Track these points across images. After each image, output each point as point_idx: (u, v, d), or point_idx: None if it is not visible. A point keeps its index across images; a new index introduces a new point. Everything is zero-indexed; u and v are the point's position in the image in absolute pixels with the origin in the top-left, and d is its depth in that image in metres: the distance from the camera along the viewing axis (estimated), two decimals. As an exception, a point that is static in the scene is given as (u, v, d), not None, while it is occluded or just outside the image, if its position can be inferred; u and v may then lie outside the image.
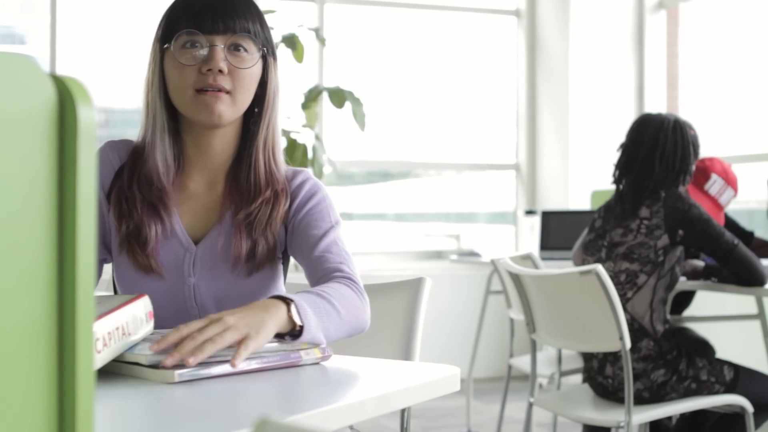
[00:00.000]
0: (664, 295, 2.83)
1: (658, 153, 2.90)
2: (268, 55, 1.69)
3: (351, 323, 1.52)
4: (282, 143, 1.77)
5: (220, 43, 1.62)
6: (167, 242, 1.66)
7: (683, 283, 3.19)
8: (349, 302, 1.53)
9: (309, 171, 1.77)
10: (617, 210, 2.93)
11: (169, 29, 1.65)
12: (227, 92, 1.63)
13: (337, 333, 1.49)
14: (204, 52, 1.62)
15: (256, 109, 1.70)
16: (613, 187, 3.03)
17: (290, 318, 1.38)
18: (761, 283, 2.94)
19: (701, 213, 2.83)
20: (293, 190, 1.72)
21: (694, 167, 2.99)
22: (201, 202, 1.70)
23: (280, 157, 1.74)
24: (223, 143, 1.70)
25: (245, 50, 1.64)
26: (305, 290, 1.49)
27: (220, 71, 1.61)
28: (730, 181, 3.43)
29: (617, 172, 2.99)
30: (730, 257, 2.88)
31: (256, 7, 1.69)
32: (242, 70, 1.63)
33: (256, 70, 1.66)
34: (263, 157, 1.70)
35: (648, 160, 2.90)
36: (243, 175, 1.69)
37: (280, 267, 1.73)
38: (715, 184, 3.41)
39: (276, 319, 1.35)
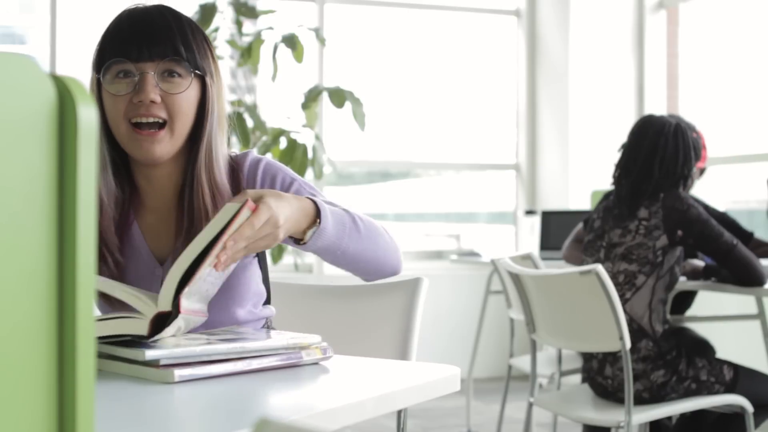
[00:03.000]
0: (663, 295, 2.83)
1: (657, 158, 2.90)
2: (205, 75, 1.63)
3: (371, 247, 1.56)
4: (282, 143, 1.76)
5: (151, 71, 1.57)
6: (133, 264, 1.65)
7: (683, 283, 3.18)
8: (373, 228, 1.59)
9: (252, 152, 1.71)
10: (616, 211, 2.93)
11: (100, 59, 1.61)
12: (164, 121, 1.59)
13: (355, 249, 1.53)
14: (135, 80, 1.58)
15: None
16: (613, 187, 3.03)
17: (312, 221, 1.48)
18: (760, 283, 2.94)
19: (700, 213, 2.82)
20: (247, 177, 1.68)
21: (696, 170, 2.99)
22: (162, 222, 1.68)
23: (222, 178, 1.66)
24: (167, 171, 1.66)
25: (179, 75, 1.59)
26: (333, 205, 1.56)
27: (152, 101, 1.56)
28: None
29: (617, 173, 2.99)
30: (729, 257, 2.87)
31: (189, 26, 1.63)
32: (176, 96, 1.58)
33: (192, 94, 1.61)
34: (207, 180, 1.64)
35: (647, 164, 2.90)
36: (191, 199, 1.64)
37: (255, 261, 1.72)
38: None
39: (303, 214, 1.46)
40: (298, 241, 1.50)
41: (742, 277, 2.92)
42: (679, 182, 2.90)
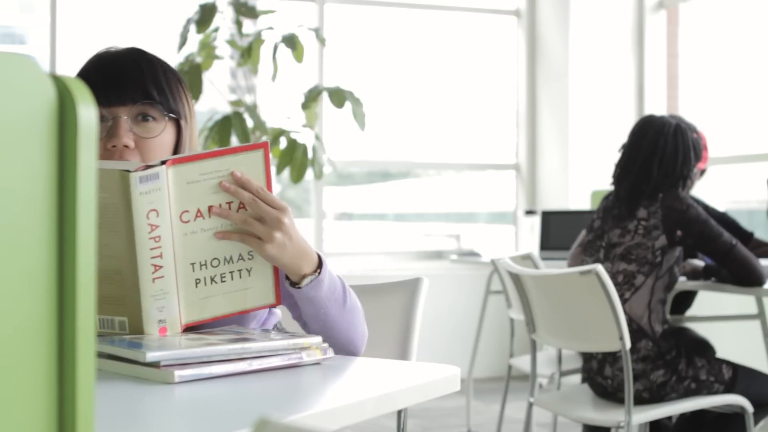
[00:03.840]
0: (663, 295, 2.83)
1: (656, 158, 2.89)
2: (180, 118, 1.60)
3: (347, 322, 1.54)
4: (282, 143, 1.77)
5: (124, 115, 1.55)
6: None
7: (683, 283, 3.18)
8: (356, 307, 1.57)
9: None
10: (615, 211, 2.93)
11: None
12: None
13: (335, 317, 1.52)
14: (108, 125, 1.54)
15: None
16: (612, 187, 3.03)
17: (313, 269, 1.49)
18: (760, 283, 2.94)
19: (699, 213, 2.82)
20: None
21: (696, 171, 2.99)
22: None
23: None
24: None
25: (153, 118, 1.57)
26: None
27: (126, 146, 1.54)
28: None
29: (617, 173, 2.99)
30: (729, 257, 2.87)
31: (162, 68, 1.60)
32: (150, 140, 1.55)
33: (167, 137, 1.58)
34: None
35: (647, 165, 2.90)
36: None
37: None
38: None
39: (308, 257, 1.48)
40: (293, 283, 1.50)
41: (741, 277, 2.92)
42: (678, 182, 2.89)
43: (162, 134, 1.57)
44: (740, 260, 2.88)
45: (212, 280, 1.44)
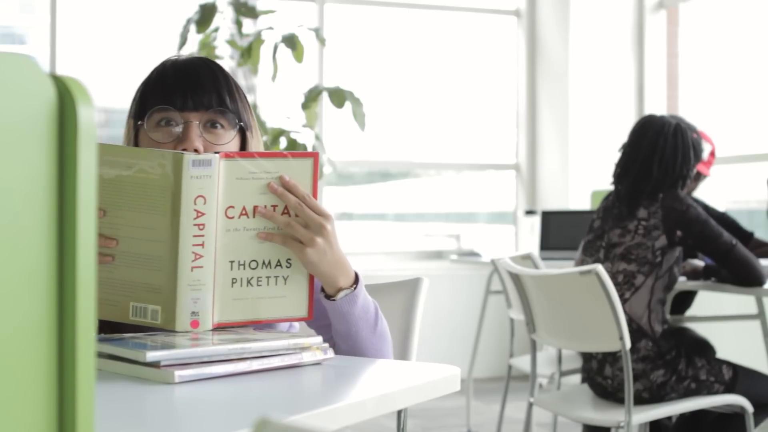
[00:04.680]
0: (663, 295, 2.83)
1: (656, 157, 2.90)
2: (246, 129, 1.62)
3: (375, 347, 1.55)
4: (282, 144, 1.77)
5: (195, 120, 1.56)
6: None
7: (683, 283, 3.18)
8: (386, 334, 1.58)
9: None
10: (615, 211, 2.93)
11: (143, 106, 1.59)
12: None
13: (364, 339, 1.53)
14: (179, 129, 1.56)
15: None
16: (612, 186, 3.03)
17: (350, 284, 1.51)
18: (760, 283, 2.94)
19: (699, 213, 2.83)
20: None
21: (694, 172, 2.99)
22: None
23: None
24: None
25: (222, 126, 1.58)
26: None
27: (196, 151, 1.54)
28: (703, 136, 3.58)
29: (617, 172, 2.99)
30: (729, 257, 2.87)
31: (231, 79, 1.63)
32: (219, 146, 1.57)
33: (234, 146, 1.60)
34: None
35: (646, 164, 2.90)
36: None
37: None
38: None
39: (345, 270, 1.50)
40: (328, 295, 1.51)
41: (741, 276, 2.92)
42: (678, 182, 2.90)
43: (231, 143, 1.59)
44: (740, 260, 2.88)
45: (248, 282, 1.44)
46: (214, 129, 1.58)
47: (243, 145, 1.63)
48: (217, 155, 1.40)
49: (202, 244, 1.39)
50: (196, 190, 1.38)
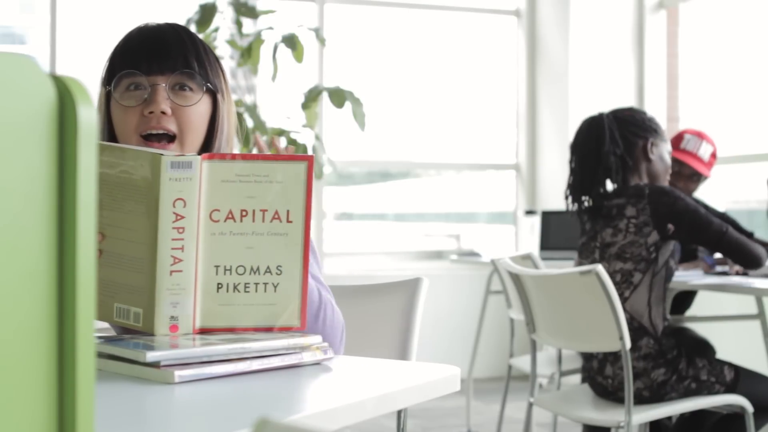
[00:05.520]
0: (662, 290, 2.83)
1: (577, 153, 2.92)
2: (217, 92, 1.63)
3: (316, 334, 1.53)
4: (282, 144, 1.77)
5: (162, 83, 1.57)
6: None
7: (682, 284, 3.18)
8: (333, 326, 1.56)
9: None
10: (603, 211, 2.91)
11: (111, 72, 1.61)
12: (174, 135, 1.58)
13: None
14: (146, 93, 1.57)
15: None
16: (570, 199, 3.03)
17: None
18: (758, 264, 2.93)
19: (688, 203, 2.81)
20: None
21: (640, 147, 2.94)
22: None
23: None
24: None
25: (190, 89, 1.59)
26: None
27: (163, 113, 1.56)
28: (704, 137, 3.61)
29: (568, 183, 2.98)
30: (722, 243, 2.87)
31: (199, 43, 1.63)
32: (186, 108, 1.58)
33: (203, 108, 1.61)
34: None
35: (586, 161, 2.91)
36: None
37: None
38: (690, 142, 3.61)
39: None
40: None
41: (738, 261, 2.92)
42: (601, 165, 2.87)
43: (199, 104, 1.59)
44: (734, 244, 2.87)
45: (235, 287, 1.40)
46: (182, 91, 1.59)
47: (214, 108, 1.63)
48: (198, 157, 1.36)
49: (182, 248, 1.36)
50: (175, 192, 1.35)
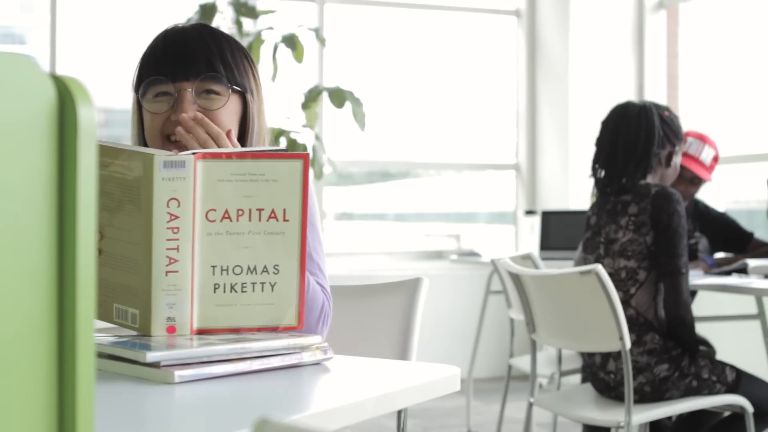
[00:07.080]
0: None
1: (620, 140, 2.89)
2: (245, 92, 1.63)
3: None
4: (282, 144, 1.77)
5: (189, 89, 1.58)
6: None
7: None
8: (311, 305, 1.57)
9: None
10: (608, 206, 2.91)
11: (139, 78, 1.63)
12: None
13: None
14: (173, 100, 1.59)
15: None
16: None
17: None
18: (681, 323, 2.77)
19: (679, 223, 2.76)
20: None
21: (666, 152, 2.93)
22: None
23: None
24: None
25: (216, 92, 1.60)
26: None
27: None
28: (706, 141, 3.59)
29: (592, 165, 2.99)
30: (670, 278, 2.77)
31: (227, 43, 1.63)
32: (213, 112, 1.58)
33: (231, 110, 1.61)
34: None
35: (613, 148, 2.90)
36: None
37: None
38: (692, 145, 3.57)
39: None
40: None
41: (668, 304, 2.78)
42: (642, 163, 2.86)
43: (226, 106, 1.60)
44: (678, 289, 2.76)
45: (232, 288, 1.39)
46: (208, 95, 1.60)
47: (244, 108, 1.64)
48: (192, 156, 1.35)
49: (177, 248, 1.35)
50: (169, 192, 1.33)
